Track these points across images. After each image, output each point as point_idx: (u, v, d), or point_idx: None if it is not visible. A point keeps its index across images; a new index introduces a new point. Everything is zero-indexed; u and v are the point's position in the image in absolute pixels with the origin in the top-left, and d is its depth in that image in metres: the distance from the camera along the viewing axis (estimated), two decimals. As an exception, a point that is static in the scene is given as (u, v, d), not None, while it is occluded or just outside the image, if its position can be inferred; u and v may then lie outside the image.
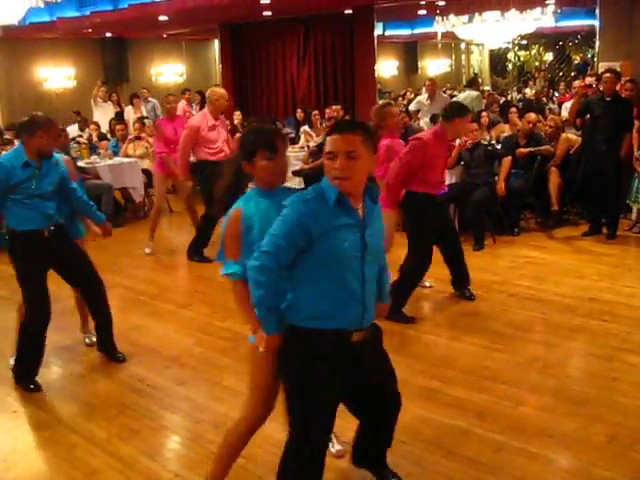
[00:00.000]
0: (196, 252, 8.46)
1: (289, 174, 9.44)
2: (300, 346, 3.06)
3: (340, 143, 2.92)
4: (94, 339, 5.85)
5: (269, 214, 3.14)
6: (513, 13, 15.24)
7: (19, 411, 4.98)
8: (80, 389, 5.26)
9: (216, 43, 20.25)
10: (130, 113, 15.15)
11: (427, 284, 6.99)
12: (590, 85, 8.95)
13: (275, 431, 3.75)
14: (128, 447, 4.34)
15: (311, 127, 12.26)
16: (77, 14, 14.70)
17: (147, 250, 8.99)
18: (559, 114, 11.96)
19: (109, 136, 12.76)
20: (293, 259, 2.99)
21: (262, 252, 2.98)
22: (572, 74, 18.71)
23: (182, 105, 15.00)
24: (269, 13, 14.11)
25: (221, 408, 4.74)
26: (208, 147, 8.16)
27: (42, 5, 8.66)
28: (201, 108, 15.06)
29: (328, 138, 2.96)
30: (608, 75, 8.46)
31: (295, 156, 11.00)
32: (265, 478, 3.83)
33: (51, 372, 5.55)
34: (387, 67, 23.50)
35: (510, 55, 25.71)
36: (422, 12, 16.75)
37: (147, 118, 13.71)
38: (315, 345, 3.04)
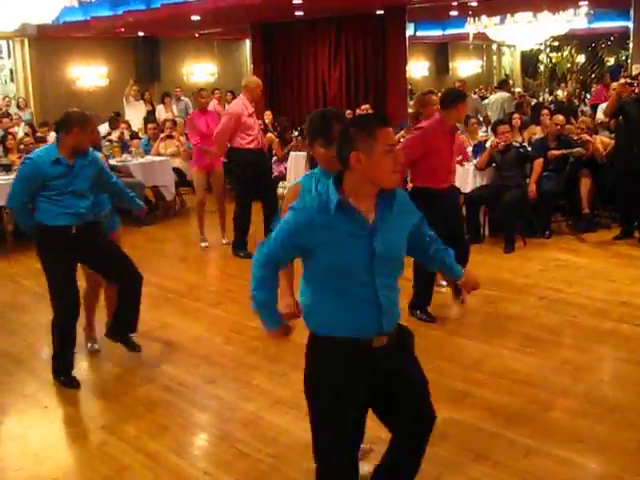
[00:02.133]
0: (240, 246, 8.50)
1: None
2: (317, 354, 2.94)
3: (392, 135, 2.78)
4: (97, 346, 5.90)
5: None
6: (545, 14, 15.17)
7: (50, 407, 5.03)
8: (110, 386, 5.30)
9: (247, 43, 20.36)
10: (161, 112, 15.25)
11: (443, 283, 6.92)
12: (632, 84, 8.67)
13: (305, 431, 3.75)
14: (157, 444, 4.36)
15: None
16: (110, 13, 14.87)
17: (203, 244, 9.13)
18: (591, 116, 11.86)
19: (140, 134, 12.83)
20: (293, 259, 2.99)
21: (259, 248, 2.98)
22: (604, 76, 18.51)
23: (214, 104, 15.03)
24: (301, 13, 14.17)
25: (250, 407, 4.75)
26: (246, 134, 8.26)
27: (76, 4, 8.70)
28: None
29: (380, 130, 2.70)
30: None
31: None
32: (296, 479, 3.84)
33: (81, 368, 5.58)
34: (418, 68, 23.46)
35: (542, 57, 25.54)
36: (454, 13, 16.73)
37: (176, 118, 13.78)
38: (331, 353, 2.87)
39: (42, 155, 5.05)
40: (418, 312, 6.22)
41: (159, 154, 11.40)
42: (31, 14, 8.57)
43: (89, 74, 17.92)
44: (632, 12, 10.49)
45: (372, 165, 2.69)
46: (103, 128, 13.45)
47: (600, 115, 10.57)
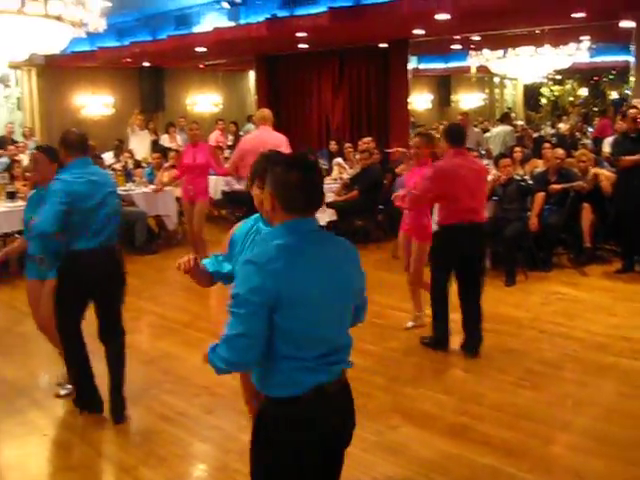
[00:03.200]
0: None
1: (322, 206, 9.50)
2: None
3: None
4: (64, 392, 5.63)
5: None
6: (547, 48, 15.26)
7: (49, 434, 5.05)
8: (109, 414, 5.22)
9: (252, 74, 20.51)
10: (165, 141, 15.35)
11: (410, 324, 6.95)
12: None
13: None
14: (155, 474, 4.38)
15: (344, 159, 12.33)
16: (117, 44, 15.04)
17: None
18: (592, 150, 11.91)
19: (144, 164, 12.92)
20: None
21: None
22: (607, 109, 18.62)
23: (216, 135, 15.16)
24: (305, 46, 14.28)
25: (249, 438, 4.73)
26: None
27: (84, 35, 8.78)
28: (236, 138, 15.25)
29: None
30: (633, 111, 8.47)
31: (328, 188, 11.04)
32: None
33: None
34: (421, 100, 23.59)
35: (544, 90, 25.69)
36: (456, 47, 16.88)
37: (180, 148, 13.87)
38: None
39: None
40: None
41: (162, 184, 11.45)
42: (41, 45, 8.65)
43: (95, 103, 18.04)
44: (633, 47, 10.58)
45: None
46: (108, 156, 13.54)
47: (606, 148, 10.60)
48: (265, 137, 8.68)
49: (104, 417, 5.22)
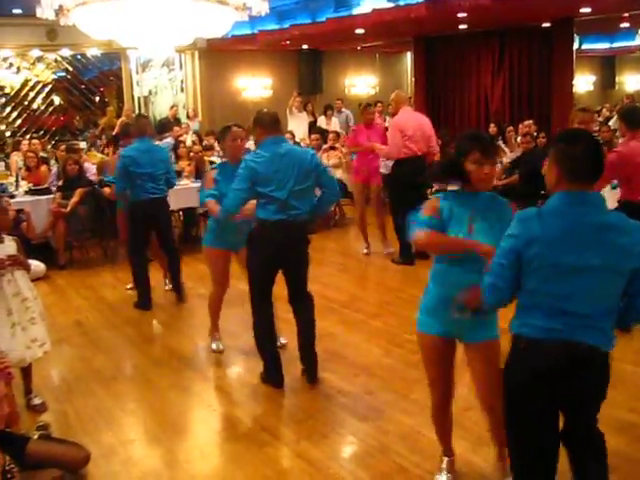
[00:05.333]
0: (404, 253, 8.78)
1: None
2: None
3: None
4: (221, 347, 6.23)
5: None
6: None
7: (214, 406, 5.24)
8: (271, 390, 5.38)
9: (408, 55, 20.41)
10: (322, 123, 15.50)
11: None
12: None
13: (466, 451, 3.71)
14: (317, 451, 4.44)
15: (505, 143, 12.07)
16: (277, 27, 15.28)
17: (364, 250, 9.53)
18: None
19: (302, 144, 13.11)
20: None
21: None
22: None
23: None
24: (465, 26, 14.05)
25: (409, 421, 4.75)
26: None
27: (246, 18, 8.98)
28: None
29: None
30: None
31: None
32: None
33: (246, 371, 5.78)
34: (582, 82, 22.74)
35: None
36: (625, 25, 16.13)
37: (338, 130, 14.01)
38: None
39: None
40: None
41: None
42: (206, 29, 8.93)
43: (254, 85, 18.44)
44: None
45: None
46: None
47: None
48: (417, 117, 8.84)
49: (265, 392, 5.37)
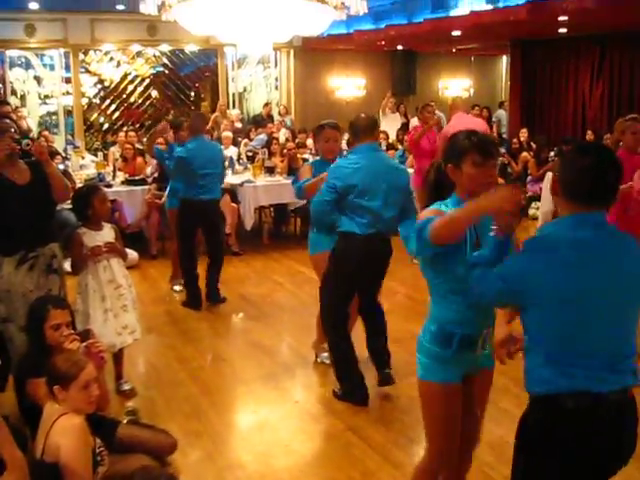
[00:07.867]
0: None
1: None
2: None
3: None
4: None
5: None
6: None
7: (300, 402, 5.27)
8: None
9: (504, 59, 20.09)
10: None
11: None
12: None
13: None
14: (404, 455, 4.40)
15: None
16: (373, 27, 15.23)
17: None
18: None
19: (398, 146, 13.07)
20: None
21: None
22: None
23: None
24: (564, 30, 13.74)
25: (498, 430, 4.65)
26: None
27: (344, 18, 8.96)
28: (489, 124, 15.02)
29: None
30: None
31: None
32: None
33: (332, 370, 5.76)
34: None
35: None
36: None
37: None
38: None
39: None
40: None
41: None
42: (304, 27, 8.95)
43: (348, 85, 18.40)
44: None
45: None
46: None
47: None
48: (467, 122, 8.75)
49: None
